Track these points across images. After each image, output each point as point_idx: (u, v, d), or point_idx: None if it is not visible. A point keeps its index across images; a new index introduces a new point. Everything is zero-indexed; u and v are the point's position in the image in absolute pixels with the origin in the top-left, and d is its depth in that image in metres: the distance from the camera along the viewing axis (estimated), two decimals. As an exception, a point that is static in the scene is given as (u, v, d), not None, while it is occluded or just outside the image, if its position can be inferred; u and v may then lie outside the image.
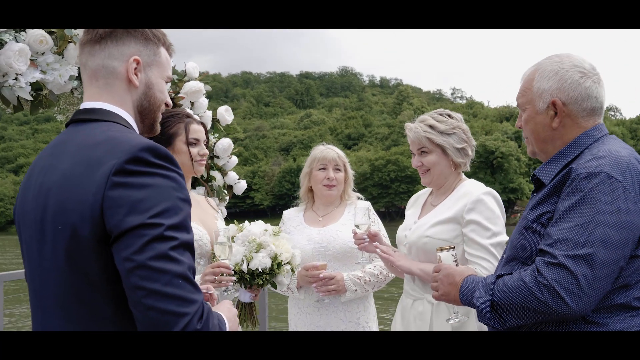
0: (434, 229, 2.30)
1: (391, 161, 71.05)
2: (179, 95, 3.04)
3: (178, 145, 2.41)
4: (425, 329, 2.26)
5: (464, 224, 2.23)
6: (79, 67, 1.76)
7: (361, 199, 3.05)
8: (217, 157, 3.33)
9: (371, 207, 3.00)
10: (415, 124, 2.42)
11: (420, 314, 2.30)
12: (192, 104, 3.15)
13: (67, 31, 2.33)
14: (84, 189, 1.20)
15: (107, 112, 1.36)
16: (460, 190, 2.34)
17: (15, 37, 2.14)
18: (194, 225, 2.38)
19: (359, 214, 2.54)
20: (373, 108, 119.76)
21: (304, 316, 2.84)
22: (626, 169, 1.49)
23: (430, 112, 2.47)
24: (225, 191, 3.44)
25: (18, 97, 2.20)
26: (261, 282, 2.34)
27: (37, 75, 2.24)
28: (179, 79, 3.11)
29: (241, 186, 3.51)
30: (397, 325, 2.47)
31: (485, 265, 2.14)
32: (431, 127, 2.35)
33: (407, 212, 2.63)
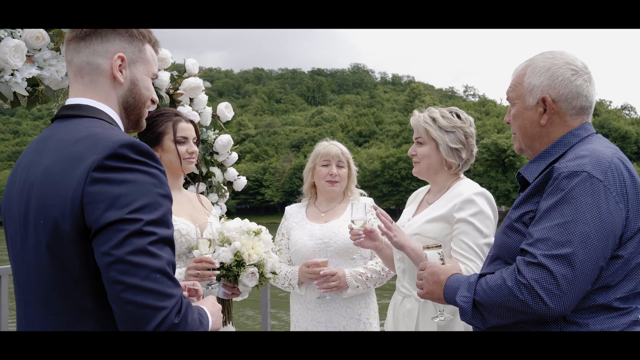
0: (425, 226, 2.30)
1: (402, 159, 70.71)
2: (178, 91, 3.06)
3: (166, 143, 2.44)
4: (412, 326, 2.27)
5: (453, 223, 2.22)
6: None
7: (364, 195, 3.05)
8: (217, 153, 3.35)
9: (374, 204, 2.99)
10: (422, 113, 2.43)
11: (408, 311, 2.31)
12: (191, 100, 3.17)
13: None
14: (64, 184, 1.22)
15: (91, 108, 1.38)
16: (454, 190, 2.34)
17: (11, 34, 2.17)
18: (183, 221, 2.41)
19: (356, 209, 2.55)
20: (385, 105, 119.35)
21: (305, 312, 2.85)
22: (608, 168, 1.47)
23: (444, 107, 2.46)
24: (225, 187, 3.46)
25: (15, 92, 2.23)
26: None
27: (33, 71, 2.26)
28: (178, 76, 3.13)
29: (241, 182, 3.53)
30: (388, 323, 2.48)
31: (470, 266, 2.13)
32: (433, 119, 2.36)
33: (405, 209, 2.63)
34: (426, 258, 1.80)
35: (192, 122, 2.55)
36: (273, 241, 2.57)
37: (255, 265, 2.33)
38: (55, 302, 1.25)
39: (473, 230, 2.17)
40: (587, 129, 1.64)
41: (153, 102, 1.51)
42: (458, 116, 2.37)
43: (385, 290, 3.61)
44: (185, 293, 1.69)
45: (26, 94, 2.26)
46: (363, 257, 2.83)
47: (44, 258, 1.25)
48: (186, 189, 2.77)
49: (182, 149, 2.45)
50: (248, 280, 2.32)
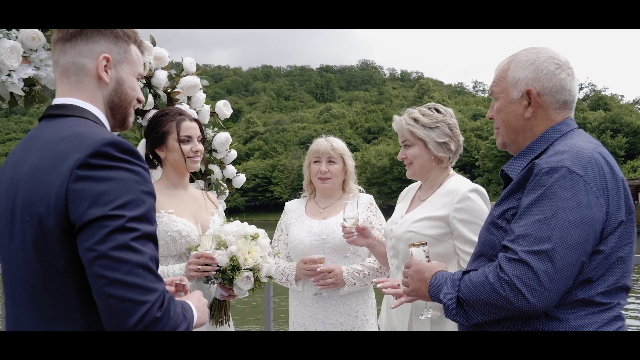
0: (419, 223, 2.30)
1: (411, 155, 70.34)
2: (175, 90, 3.09)
3: (170, 143, 2.46)
4: (405, 322, 2.27)
5: (452, 222, 2.23)
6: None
7: (362, 192, 3.04)
8: (215, 150, 3.37)
9: (373, 201, 3.00)
10: (402, 116, 2.43)
11: (401, 307, 2.31)
12: (189, 98, 3.19)
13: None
14: (49, 182, 1.25)
15: (77, 107, 1.41)
16: (446, 186, 2.34)
17: (7, 35, 2.21)
18: (185, 222, 2.43)
19: (349, 207, 2.55)
20: (393, 102, 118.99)
21: (303, 308, 2.86)
22: (588, 163, 1.47)
23: (420, 106, 2.47)
24: (225, 184, 3.48)
25: (12, 92, 2.27)
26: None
27: (29, 72, 2.31)
28: (176, 74, 3.15)
29: (240, 180, 3.55)
30: (382, 319, 2.49)
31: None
32: (415, 120, 2.36)
33: (397, 206, 2.63)
34: (412, 256, 1.80)
35: (196, 120, 2.57)
36: (272, 238, 2.58)
37: (250, 269, 2.35)
38: (42, 297, 1.28)
39: (473, 225, 2.17)
40: (569, 124, 1.64)
41: (139, 101, 1.54)
42: (437, 111, 2.37)
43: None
44: (172, 288, 1.72)
45: (23, 94, 2.30)
46: (356, 254, 2.83)
47: (30, 254, 1.28)
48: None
49: (186, 148, 2.47)
50: (243, 284, 2.34)
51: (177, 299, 1.50)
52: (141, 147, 2.58)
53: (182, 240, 2.40)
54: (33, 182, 1.28)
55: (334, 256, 2.81)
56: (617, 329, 1.51)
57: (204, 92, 3.28)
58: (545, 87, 1.62)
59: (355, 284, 2.75)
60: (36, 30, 2.29)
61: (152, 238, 1.27)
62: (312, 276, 2.72)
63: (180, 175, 2.54)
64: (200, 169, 3.23)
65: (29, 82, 2.33)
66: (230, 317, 2.55)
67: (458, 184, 2.32)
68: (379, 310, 2.78)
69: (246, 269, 2.33)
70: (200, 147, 2.54)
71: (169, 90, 3.08)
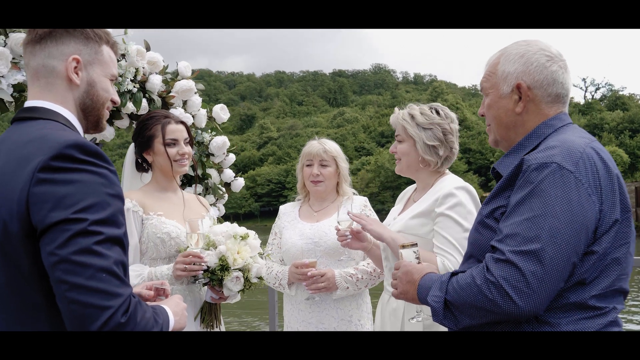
0: (408, 222, 2.27)
1: (425, 158, 70.06)
2: (170, 94, 3.07)
3: (157, 146, 2.44)
4: (398, 325, 2.22)
5: (434, 218, 2.17)
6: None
7: (356, 194, 2.99)
8: (213, 155, 3.34)
9: (367, 203, 2.95)
10: (402, 110, 2.38)
11: (394, 310, 2.26)
12: (185, 102, 3.17)
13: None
14: (12, 186, 1.23)
15: (47, 110, 1.39)
16: (437, 186, 2.29)
17: (-5, 41, 2.21)
18: (174, 224, 2.41)
19: (343, 210, 2.50)
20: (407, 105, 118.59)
21: (296, 313, 2.82)
22: (579, 159, 1.39)
23: (426, 104, 2.41)
24: (223, 189, 3.45)
25: (1, 99, 2.26)
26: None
27: (19, 77, 2.29)
28: (171, 79, 3.14)
29: (238, 184, 3.52)
30: (377, 322, 2.44)
31: (449, 259, 2.08)
32: (412, 116, 2.31)
33: (393, 208, 2.58)
34: (401, 257, 1.75)
35: (183, 123, 2.54)
36: (266, 242, 2.54)
37: (240, 269, 2.32)
38: (8, 298, 1.27)
39: (453, 224, 2.12)
40: (562, 119, 1.56)
41: (114, 102, 1.51)
42: (437, 112, 2.31)
43: (380, 291, 3.55)
44: (150, 292, 1.69)
45: (12, 100, 2.29)
46: (351, 258, 2.78)
47: None
48: (183, 189, 2.77)
49: (172, 151, 2.45)
50: (233, 284, 2.31)
51: (154, 303, 1.46)
52: (130, 152, 2.56)
53: (171, 242, 2.37)
54: None
55: (327, 259, 2.76)
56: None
57: (206, 94, 3.26)
58: (536, 80, 1.55)
59: (348, 287, 2.69)
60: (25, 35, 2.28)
61: (118, 241, 1.24)
62: (304, 280, 2.67)
63: (168, 179, 2.51)
64: (197, 173, 3.20)
65: (19, 88, 2.31)
66: (222, 320, 2.51)
67: (448, 182, 2.26)
68: (374, 314, 2.73)
69: (235, 269, 2.30)
70: (188, 149, 2.51)
71: (164, 95, 3.06)
